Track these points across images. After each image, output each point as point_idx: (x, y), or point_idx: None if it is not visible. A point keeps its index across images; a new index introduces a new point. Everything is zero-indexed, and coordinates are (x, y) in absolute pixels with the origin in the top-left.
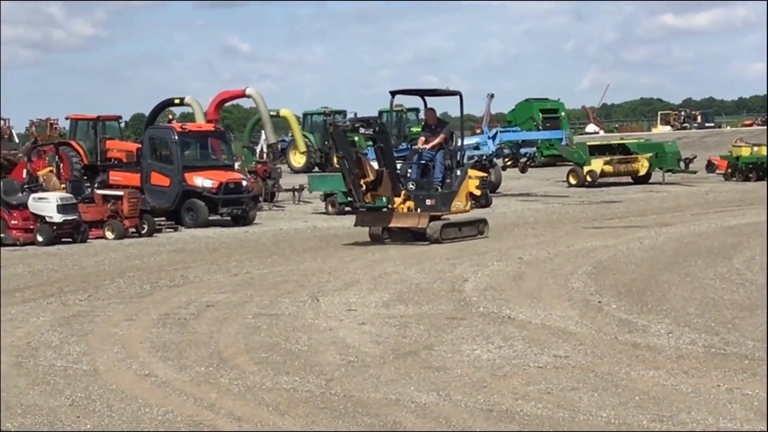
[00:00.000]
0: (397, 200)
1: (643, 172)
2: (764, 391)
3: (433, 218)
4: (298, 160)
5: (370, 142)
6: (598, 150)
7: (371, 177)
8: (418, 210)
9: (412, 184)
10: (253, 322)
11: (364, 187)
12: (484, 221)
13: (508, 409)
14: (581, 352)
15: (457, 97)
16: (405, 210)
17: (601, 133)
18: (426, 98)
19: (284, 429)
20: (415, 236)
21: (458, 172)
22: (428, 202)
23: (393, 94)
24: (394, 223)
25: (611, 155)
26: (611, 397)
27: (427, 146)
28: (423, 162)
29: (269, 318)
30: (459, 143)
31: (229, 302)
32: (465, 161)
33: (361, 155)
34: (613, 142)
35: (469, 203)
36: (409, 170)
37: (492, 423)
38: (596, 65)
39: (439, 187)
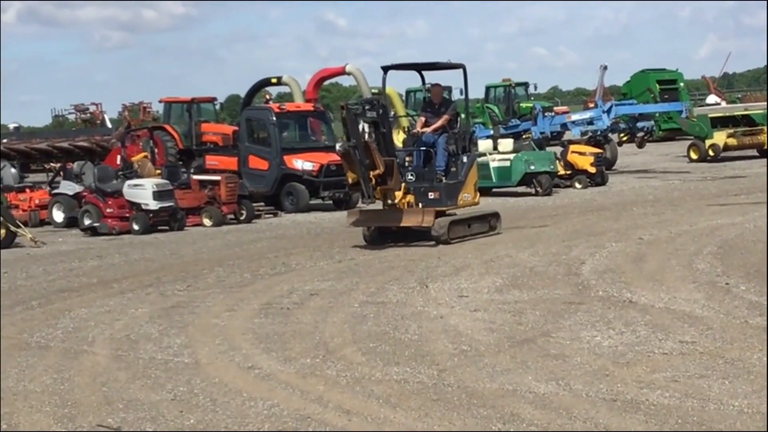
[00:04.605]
0: (398, 194)
1: None
2: None
3: (438, 214)
4: (400, 138)
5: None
6: (720, 122)
7: (381, 169)
8: (420, 205)
9: (411, 175)
10: (359, 310)
11: (373, 181)
12: (496, 215)
13: (633, 399)
14: (709, 337)
15: (461, 70)
16: (404, 206)
17: (723, 104)
18: (424, 73)
19: (395, 422)
20: (418, 235)
21: (465, 159)
22: (431, 195)
23: (385, 69)
24: (394, 223)
25: (735, 127)
26: (743, 385)
27: (428, 129)
28: (423, 148)
29: (376, 306)
30: (465, 125)
31: (333, 290)
32: (473, 146)
33: (369, 143)
34: (736, 113)
35: (478, 194)
36: (408, 158)
37: (616, 413)
38: (716, 32)
39: (443, 177)
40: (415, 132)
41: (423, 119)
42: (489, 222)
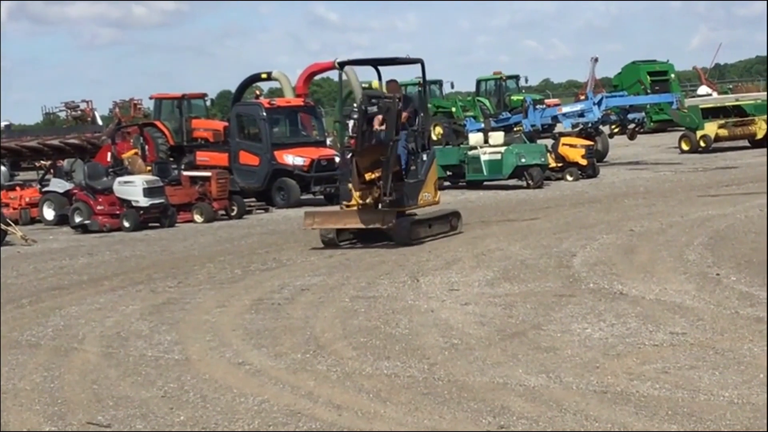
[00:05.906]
0: (356, 195)
1: (760, 135)
2: None
3: (399, 214)
4: None
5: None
6: (711, 113)
7: (397, 166)
8: (380, 205)
9: None
10: (350, 305)
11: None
12: (456, 214)
13: (623, 391)
14: (700, 329)
15: (419, 65)
16: (364, 206)
17: (715, 95)
18: (380, 68)
19: (386, 416)
20: (378, 236)
21: (424, 157)
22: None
23: (341, 65)
24: (353, 224)
25: (726, 118)
26: (734, 376)
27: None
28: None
29: (367, 300)
30: (424, 121)
31: (324, 285)
32: (431, 143)
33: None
34: (727, 104)
35: (438, 193)
36: None
37: (606, 405)
38: (707, 23)
39: (403, 177)
40: (373, 130)
41: (380, 117)
42: (450, 222)
